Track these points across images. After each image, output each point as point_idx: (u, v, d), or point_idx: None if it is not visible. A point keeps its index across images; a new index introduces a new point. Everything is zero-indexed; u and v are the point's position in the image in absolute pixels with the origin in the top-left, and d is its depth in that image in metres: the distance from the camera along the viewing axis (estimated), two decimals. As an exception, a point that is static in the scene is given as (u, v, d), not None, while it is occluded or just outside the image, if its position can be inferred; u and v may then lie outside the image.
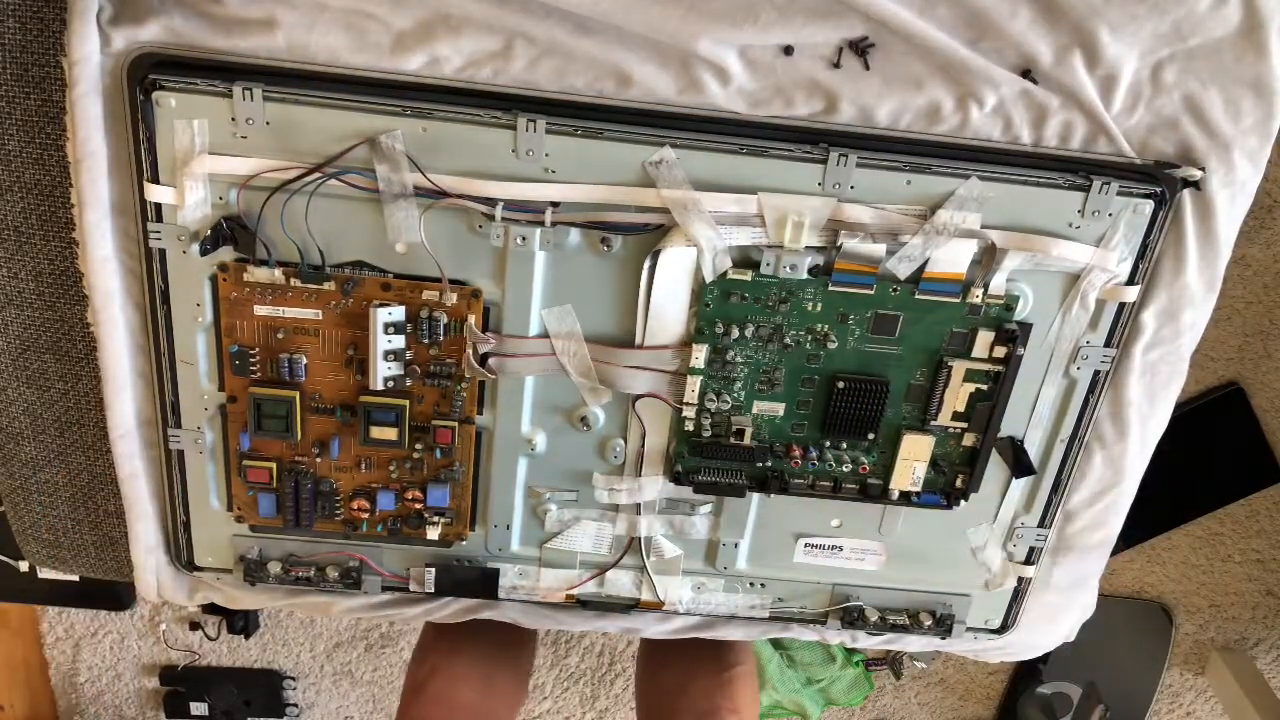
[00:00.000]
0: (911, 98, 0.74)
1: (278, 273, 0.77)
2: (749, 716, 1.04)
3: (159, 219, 0.76)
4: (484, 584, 0.92)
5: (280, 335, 0.80)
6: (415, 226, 0.76)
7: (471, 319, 0.79)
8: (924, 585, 0.95)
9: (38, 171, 0.81)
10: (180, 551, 0.92)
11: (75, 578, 1.68)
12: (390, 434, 0.83)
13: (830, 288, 0.79)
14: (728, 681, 1.04)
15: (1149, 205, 0.76)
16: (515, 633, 0.98)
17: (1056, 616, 0.98)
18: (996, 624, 0.98)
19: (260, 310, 0.79)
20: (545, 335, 0.81)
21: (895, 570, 0.94)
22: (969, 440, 0.86)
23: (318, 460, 0.85)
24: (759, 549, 0.93)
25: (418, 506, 0.88)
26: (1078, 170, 0.76)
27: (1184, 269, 0.80)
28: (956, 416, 0.84)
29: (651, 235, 0.77)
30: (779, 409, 0.84)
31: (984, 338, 0.81)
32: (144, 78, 0.71)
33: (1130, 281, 0.80)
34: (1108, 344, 0.83)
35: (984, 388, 0.83)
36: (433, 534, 0.89)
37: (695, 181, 0.75)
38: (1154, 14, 0.71)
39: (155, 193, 0.75)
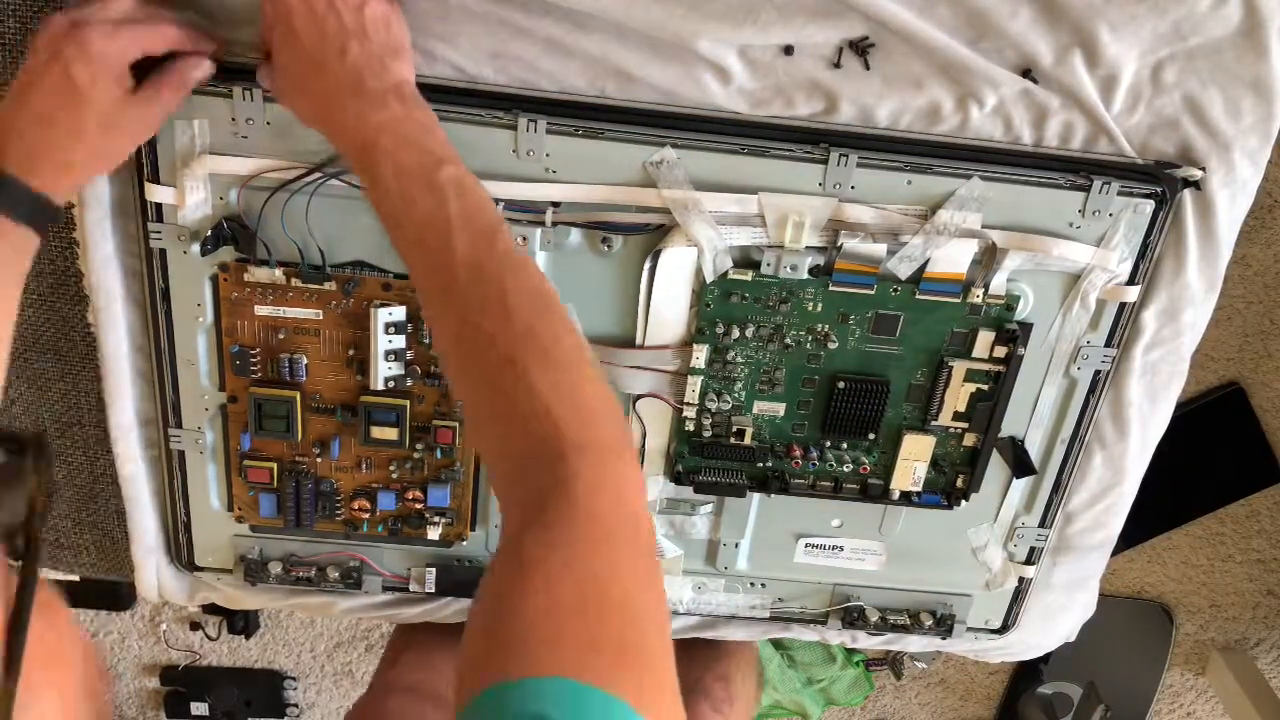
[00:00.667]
0: (912, 98, 0.74)
1: (278, 273, 0.77)
2: (739, 688, 1.02)
3: (159, 219, 0.76)
4: (484, 584, 0.92)
5: (281, 335, 0.80)
6: (416, 226, 0.76)
7: (472, 319, 0.79)
8: (924, 585, 0.95)
9: (38, 171, 0.81)
10: (180, 551, 0.92)
11: (75, 578, 1.68)
12: (391, 434, 0.83)
13: (831, 288, 0.79)
14: (722, 654, 1.03)
15: (1149, 205, 0.76)
16: None
17: (1057, 616, 0.98)
18: (997, 624, 0.98)
19: (261, 310, 0.79)
20: (546, 335, 0.81)
21: (896, 570, 0.94)
22: (970, 440, 0.86)
23: (318, 460, 0.85)
24: (759, 549, 0.93)
25: (418, 506, 0.88)
26: (1078, 170, 0.76)
27: (1184, 269, 0.80)
28: (957, 416, 0.84)
29: (652, 235, 0.77)
30: (779, 409, 0.84)
31: (984, 338, 0.81)
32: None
33: (1131, 281, 0.80)
34: (1108, 344, 0.83)
35: (985, 388, 0.83)
36: (433, 534, 0.89)
37: (696, 181, 0.75)
38: (1154, 14, 0.71)
39: (156, 193, 0.75)
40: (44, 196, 0.64)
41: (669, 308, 0.80)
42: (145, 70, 0.66)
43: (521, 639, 0.46)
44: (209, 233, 0.76)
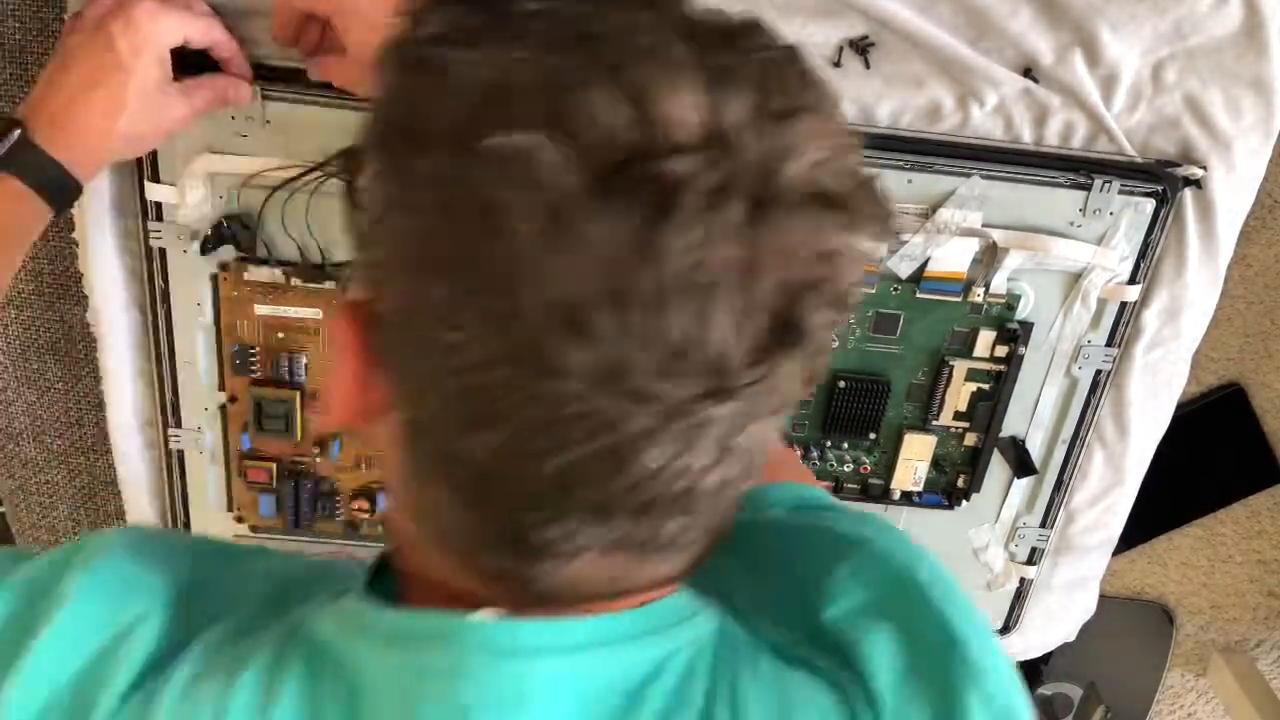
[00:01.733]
0: (912, 97, 0.74)
1: (278, 271, 0.77)
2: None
3: (159, 218, 0.76)
4: (484, 584, 0.92)
5: (281, 334, 0.80)
6: (416, 226, 0.75)
7: (472, 318, 0.79)
8: (925, 585, 0.94)
9: (38, 171, 0.81)
10: (180, 552, 0.91)
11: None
12: (391, 434, 0.83)
13: (831, 287, 0.78)
14: None
15: (1150, 204, 0.76)
16: None
17: (1057, 617, 0.98)
18: (998, 624, 0.97)
19: (261, 309, 0.79)
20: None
21: (896, 570, 0.93)
22: (970, 440, 0.86)
23: (318, 460, 0.85)
24: (760, 549, 0.93)
25: (418, 506, 0.87)
26: (1079, 169, 0.76)
27: (1185, 268, 0.79)
28: (958, 416, 0.84)
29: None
30: (780, 408, 0.84)
31: (985, 337, 0.81)
32: (144, 77, 0.71)
33: (1132, 280, 0.80)
34: (1109, 343, 0.83)
35: (985, 387, 0.83)
36: (433, 534, 0.88)
37: (696, 180, 0.74)
38: (1155, 13, 0.71)
39: (156, 191, 0.75)
40: (64, 167, 0.63)
41: (669, 307, 0.80)
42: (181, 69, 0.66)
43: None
44: (209, 232, 0.75)
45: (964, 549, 0.92)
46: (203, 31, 0.66)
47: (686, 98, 0.31)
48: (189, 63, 0.67)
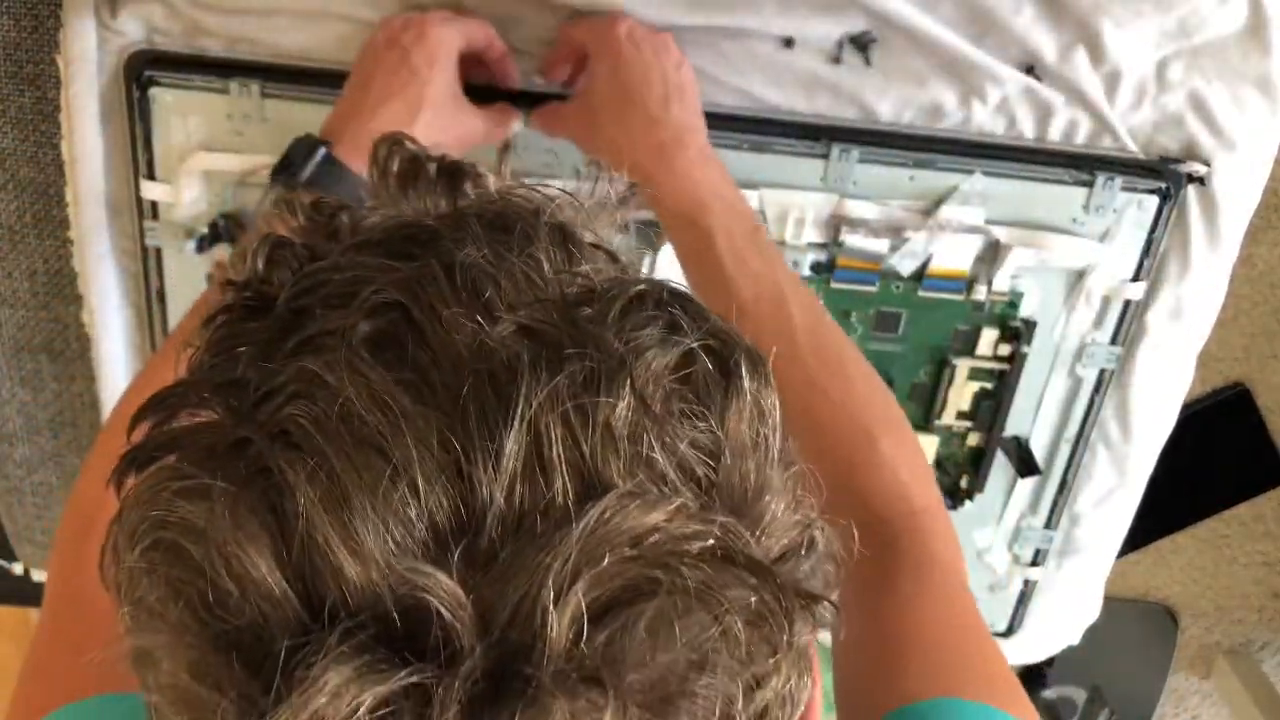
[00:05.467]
0: (914, 94, 0.73)
1: (274, 271, 0.77)
2: None
3: (155, 217, 0.75)
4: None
5: (277, 334, 0.80)
6: (413, 224, 0.75)
7: (470, 317, 0.78)
8: (928, 587, 0.94)
9: (33, 169, 0.80)
10: (177, 553, 0.91)
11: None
12: (388, 434, 0.82)
13: (833, 284, 0.78)
14: None
15: (1154, 201, 0.76)
16: None
17: (1061, 619, 0.97)
18: (1002, 627, 0.97)
19: (257, 309, 0.78)
20: (545, 334, 0.80)
21: (899, 572, 0.93)
22: (973, 440, 0.85)
23: (315, 461, 0.85)
24: (761, 550, 0.92)
25: (416, 507, 0.87)
26: (1082, 166, 0.75)
27: (1189, 266, 0.79)
28: (961, 415, 0.84)
29: (653, 232, 0.76)
30: (781, 408, 0.83)
31: (988, 335, 0.80)
32: (140, 74, 0.71)
33: (1135, 278, 0.79)
34: (1113, 342, 0.82)
35: (988, 386, 0.82)
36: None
37: (696, 178, 0.74)
38: (1159, 11, 0.70)
39: (151, 190, 0.74)
40: (361, 180, 0.62)
41: (669, 306, 0.79)
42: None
43: (919, 666, 0.47)
44: (205, 230, 0.75)
45: (967, 550, 0.91)
46: (484, 35, 0.67)
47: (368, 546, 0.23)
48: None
